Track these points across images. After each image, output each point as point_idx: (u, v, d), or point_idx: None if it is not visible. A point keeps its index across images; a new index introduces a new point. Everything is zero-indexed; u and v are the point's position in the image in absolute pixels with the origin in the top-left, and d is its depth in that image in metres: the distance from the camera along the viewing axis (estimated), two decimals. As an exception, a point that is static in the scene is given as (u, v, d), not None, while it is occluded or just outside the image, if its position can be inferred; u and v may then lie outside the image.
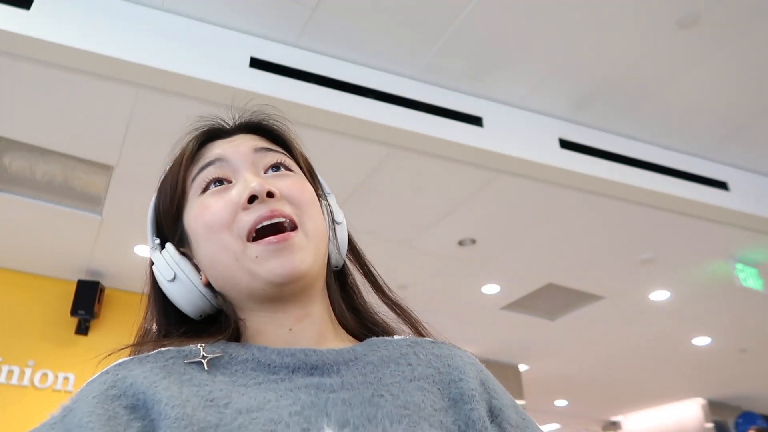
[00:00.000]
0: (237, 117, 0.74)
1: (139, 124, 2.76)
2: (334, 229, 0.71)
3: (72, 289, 4.22)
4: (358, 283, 0.75)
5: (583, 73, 2.98)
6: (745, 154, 3.53)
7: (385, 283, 0.74)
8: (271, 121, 0.74)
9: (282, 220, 0.62)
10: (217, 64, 2.56)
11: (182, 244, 0.68)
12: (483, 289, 4.49)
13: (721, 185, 3.47)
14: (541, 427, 0.65)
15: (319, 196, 0.72)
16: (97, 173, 3.22)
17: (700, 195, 3.35)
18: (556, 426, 8.61)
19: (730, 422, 7.13)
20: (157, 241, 0.69)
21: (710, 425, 6.99)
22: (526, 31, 2.72)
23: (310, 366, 0.58)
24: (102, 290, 4.32)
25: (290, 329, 0.63)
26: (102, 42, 2.41)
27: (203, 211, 0.64)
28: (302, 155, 0.74)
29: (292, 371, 0.58)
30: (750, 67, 2.92)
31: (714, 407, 7.15)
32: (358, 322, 0.72)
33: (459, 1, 2.56)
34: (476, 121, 3.00)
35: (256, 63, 2.65)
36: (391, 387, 0.58)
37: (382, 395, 0.56)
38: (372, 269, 0.75)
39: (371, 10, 2.61)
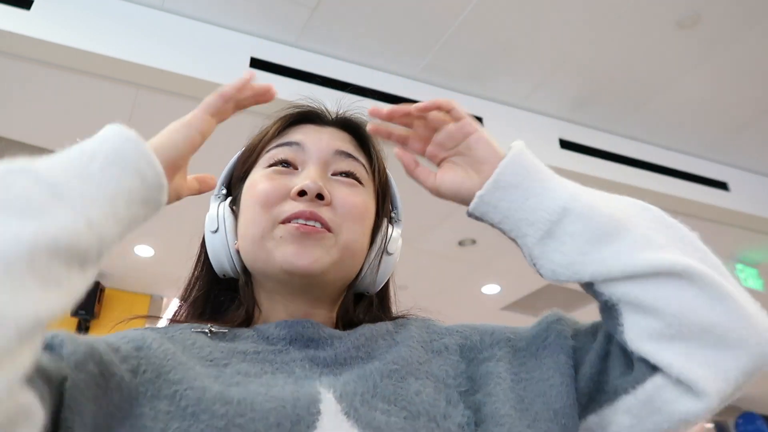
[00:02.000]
0: (339, 111, 0.75)
1: (139, 124, 2.73)
2: (381, 256, 0.71)
3: (72, 289, 4.22)
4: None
5: (583, 73, 2.98)
6: (745, 154, 3.53)
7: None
8: (367, 128, 0.73)
9: (318, 225, 0.62)
10: (217, 64, 2.56)
11: (236, 204, 0.70)
12: (483, 289, 4.49)
13: (721, 185, 3.47)
14: None
15: (390, 219, 0.74)
16: (97, 173, 3.22)
17: (700, 195, 3.35)
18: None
19: (730, 422, 7.13)
20: (224, 191, 0.72)
21: (710, 425, 6.99)
22: (526, 31, 2.72)
23: (306, 338, 0.61)
24: (102, 290, 4.32)
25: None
26: (102, 42, 2.41)
27: (256, 185, 0.66)
28: (383, 172, 0.73)
29: (289, 342, 0.60)
30: (750, 68, 2.92)
31: (714, 407, 7.14)
32: None
33: (459, 1, 2.56)
34: (476, 120, 3.00)
35: (256, 63, 2.65)
36: (379, 353, 0.60)
37: (372, 359, 0.59)
38: (389, 301, 0.76)
39: (371, 10, 2.62)
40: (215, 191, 0.73)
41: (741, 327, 0.52)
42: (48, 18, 2.36)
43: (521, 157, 0.60)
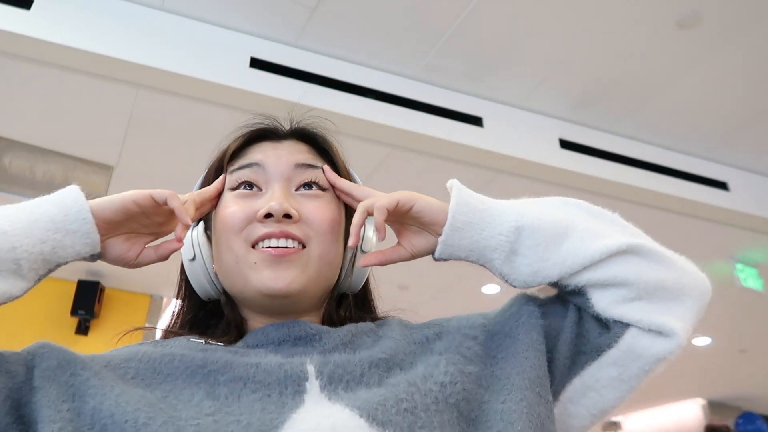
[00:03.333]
0: (293, 122, 0.76)
1: (139, 124, 2.75)
2: (355, 257, 0.72)
3: (72, 289, 4.22)
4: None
5: (583, 73, 2.98)
6: (745, 154, 3.53)
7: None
8: (323, 134, 0.75)
9: (289, 244, 0.64)
10: (217, 64, 2.56)
11: (209, 227, 0.72)
12: (483, 289, 4.49)
13: (721, 185, 3.47)
14: None
15: None
16: (97, 173, 3.22)
17: (700, 195, 3.35)
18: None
19: (731, 422, 7.13)
20: None
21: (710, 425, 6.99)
22: (526, 31, 2.72)
23: (294, 337, 0.63)
24: (102, 290, 4.32)
25: None
26: (102, 42, 2.41)
27: (223, 210, 0.68)
28: (345, 172, 0.74)
29: (278, 344, 0.62)
30: (750, 68, 2.92)
31: (714, 407, 7.15)
32: None
33: (459, 2, 2.56)
34: (476, 121, 3.00)
35: (256, 63, 2.65)
36: (366, 347, 0.63)
37: (360, 350, 0.62)
38: (371, 300, 0.78)
39: (371, 10, 2.61)
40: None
41: (682, 278, 0.63)
42: (48, 18, 2.36)
43: (463, 195, 0.65)
